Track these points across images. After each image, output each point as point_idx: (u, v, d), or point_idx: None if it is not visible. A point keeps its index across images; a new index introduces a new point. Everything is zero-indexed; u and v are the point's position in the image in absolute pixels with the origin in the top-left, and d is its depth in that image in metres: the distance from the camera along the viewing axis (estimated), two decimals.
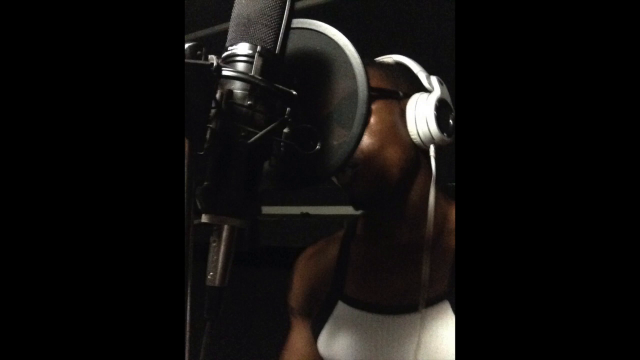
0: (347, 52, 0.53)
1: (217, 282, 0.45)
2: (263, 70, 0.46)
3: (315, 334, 0.80)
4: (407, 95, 0.75)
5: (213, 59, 0.42)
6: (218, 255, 0.45)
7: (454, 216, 0.78)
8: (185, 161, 0.41)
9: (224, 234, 0.45)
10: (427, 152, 0.75)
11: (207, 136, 0.43)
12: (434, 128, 0.72)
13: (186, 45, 0.42)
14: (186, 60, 0.41)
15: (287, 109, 0.47)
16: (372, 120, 0.73)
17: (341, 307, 0.78)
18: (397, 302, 0.74)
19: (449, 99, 0.76)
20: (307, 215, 1.70)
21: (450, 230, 0.76)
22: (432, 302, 0.71)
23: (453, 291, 0.70)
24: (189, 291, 0.40)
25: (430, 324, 0.70)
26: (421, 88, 0.76)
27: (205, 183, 0.45)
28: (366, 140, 0.72)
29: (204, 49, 0.43)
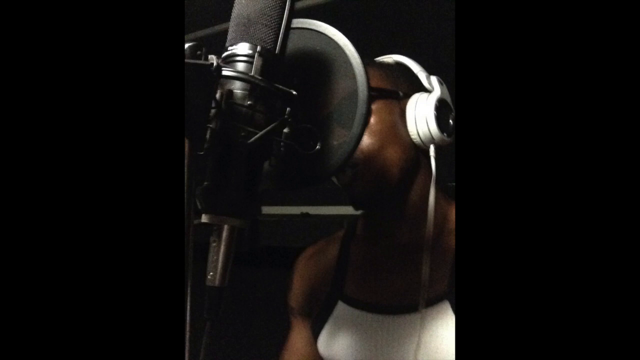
0: (347, 52, 0.53)
1: (217, 282, 0.45)
2: (263, 70, 0.46)
3: (315, 334, 0.80)
4: (407, 95, 0.75)
5: (213, 59, 0.42)
6: (218, 255, 0.45)
7: (454, 216, 0.78)
8: (185, 161, 0.41)
9: (224, 234, 0.45)
10: (427, 152, 0.75)
11: (207, 136, 0.43)
12: (434, 128, 0.72)
13: (186, 45, 0.42)
14: (186, 60, 0.41)
15: (287, 109, 0.47)
16: (372, 120, 0.73)
17: (341, 307, 0.78)
18: (397, 302, 0.74)
19: (449, 99, 0.76)
20: (307, 215, 1.70)
21: (450, 230, 0.76)
22: (432, 302, 0.71)
23: (453, 291, 0.70)
24: (189, 291, 0.40)
25: (430, 324, 0.70)
26: (421, 88, 0.76)
27: (205, 183, 0.45)
28: (366, 140, 0.72)
29: (204, 49, 0.43)
